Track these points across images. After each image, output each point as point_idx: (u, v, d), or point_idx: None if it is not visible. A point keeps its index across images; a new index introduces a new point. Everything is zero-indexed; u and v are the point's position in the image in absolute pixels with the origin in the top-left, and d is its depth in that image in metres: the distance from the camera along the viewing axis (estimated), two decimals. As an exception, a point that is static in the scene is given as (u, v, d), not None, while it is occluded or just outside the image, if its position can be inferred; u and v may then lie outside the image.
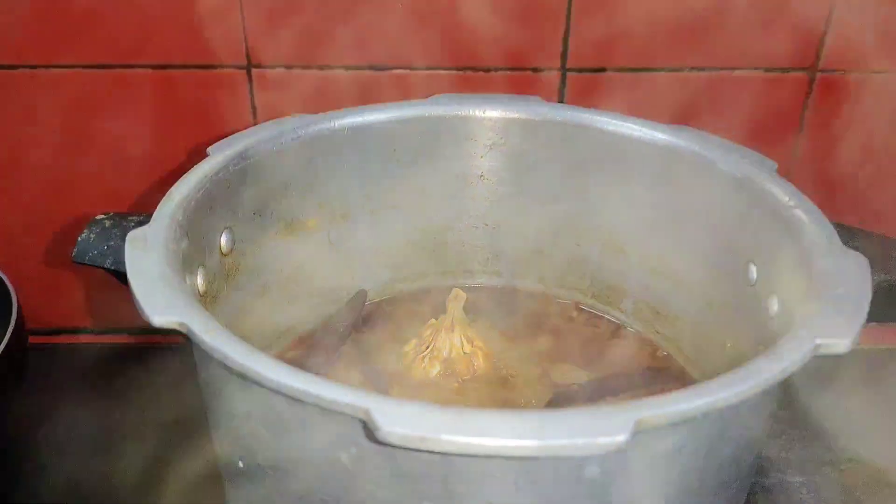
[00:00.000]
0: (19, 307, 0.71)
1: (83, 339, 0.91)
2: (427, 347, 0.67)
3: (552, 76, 0.81)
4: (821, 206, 0.54)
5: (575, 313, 0.75)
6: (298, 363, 0.66)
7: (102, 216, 0.55)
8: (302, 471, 0.40)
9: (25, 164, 0.82)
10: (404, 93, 0.80)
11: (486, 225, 0.75)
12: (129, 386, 0.80)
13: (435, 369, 0.66)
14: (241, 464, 0.43)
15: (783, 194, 0.54)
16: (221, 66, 0.78)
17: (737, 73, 0.80)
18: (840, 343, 0.40)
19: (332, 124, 0.66)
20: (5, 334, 0.68)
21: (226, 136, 0.60)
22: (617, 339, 0.72)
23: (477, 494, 0.36)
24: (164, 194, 0.52)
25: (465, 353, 0.67)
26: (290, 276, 0.67)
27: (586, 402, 0.63)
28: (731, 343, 0.60)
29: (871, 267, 0.47)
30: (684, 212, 0.64)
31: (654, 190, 0.66)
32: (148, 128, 0.81)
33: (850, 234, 0.54)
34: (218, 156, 0.58)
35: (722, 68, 0.80)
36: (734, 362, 0.59)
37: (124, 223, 0.54)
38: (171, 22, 0.76)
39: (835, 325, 0.41)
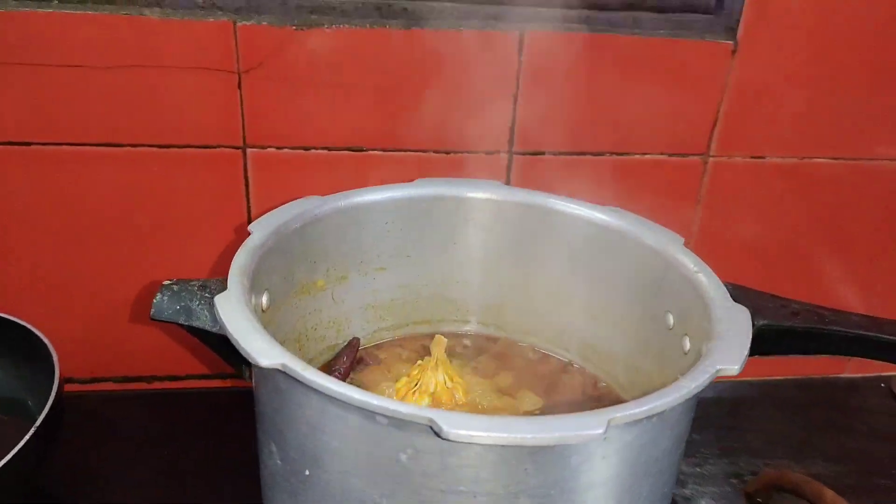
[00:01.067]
0: (59, 370, 0.79)
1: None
2: (416, 384, 0.82)
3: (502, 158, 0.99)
4: (715, 265, 0.74)
5: (532, 354, 0.92)
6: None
7: (169, 282, 0.68)
8: (364, 471, 0.54)
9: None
10: (372, 172, 0.96)
11: (458, 282, 0.92)
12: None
13: (424, 401, 0.81)
14: (307, 472, 0.57)
15: (689, 262, 0.74)
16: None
17: (646, 157, 1.01)
18: (733, 368, 0.58)
19: (339, 203, 0.82)
20: (48, 398, 0.74)
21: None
22: (566, 374, 0.89)
23: (498, 478, 0.52)
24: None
25: (447, 387, 0.83)
26: (302, 328, 0.82)
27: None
28: (657, 373, 0.79)
29: (752, 314, 0.67)
30: (616, 272, 0.83)
31: (593, 255, 0.85)
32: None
33: (736, 290, 0.74)
34: (260, 232, 0.72)
35: (634, 153, 1.00)
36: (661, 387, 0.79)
37: (188, 286, 0.67)
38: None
39: (729, 356, 0.59)
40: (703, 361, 0.60)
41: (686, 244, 0.77)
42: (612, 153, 1.00)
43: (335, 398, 0.51)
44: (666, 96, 0.97)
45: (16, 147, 0.88)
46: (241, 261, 0.66)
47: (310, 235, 0.79)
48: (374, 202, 0.84)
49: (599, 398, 0.86)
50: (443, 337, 0.84)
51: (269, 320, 0.73)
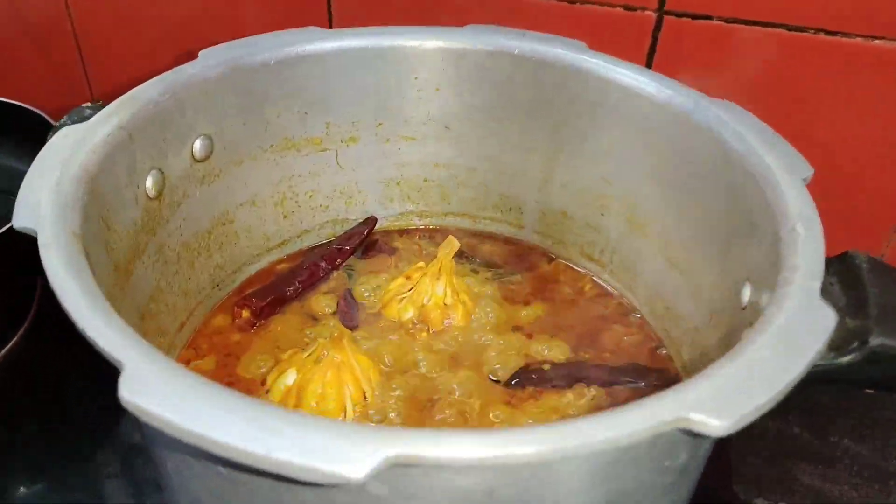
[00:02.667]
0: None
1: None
2: (409, 290, 0.64)
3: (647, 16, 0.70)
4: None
5: (588, 286, 0.68)
6: (287, 275, 0.66)
7: (89, 104, 0.56)
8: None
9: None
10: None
11: (514, 173, 0.69)
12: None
13: (408, 313, 0.63)
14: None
15: (794, 211, 0.44)
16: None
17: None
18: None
19: (347, 43, 0.62)
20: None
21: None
22: (620, 325, 0.64)
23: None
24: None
25: (445, 303, 0.63)
26: (287, 192, 0.66)
27: (549, 386, 0.58)
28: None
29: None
30: (707, 204, 0.55)
31: (680, 171, 0.57)
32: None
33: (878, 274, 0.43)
34: (207, 60, 0.56)
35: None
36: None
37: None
38: None
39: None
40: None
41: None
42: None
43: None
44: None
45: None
46: (146, 93, 0.52)
47: (298, 76, 0.61)
48: (403, 48, 0.63)
49: (649, 371, 0.60)
50: (454, 239, 0.64)
51: (210, 171, 0.59)
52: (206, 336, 0.61)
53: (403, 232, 0.73)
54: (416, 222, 0.73)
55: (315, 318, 0.63)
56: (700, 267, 0.56)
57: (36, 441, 0.65)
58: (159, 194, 0.53)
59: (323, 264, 0.68)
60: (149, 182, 0.52)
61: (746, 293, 0.47)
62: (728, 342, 0.50)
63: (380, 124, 0.67)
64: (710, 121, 0.53)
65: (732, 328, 0.49)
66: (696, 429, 0.32)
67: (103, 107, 0.53)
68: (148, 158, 0.51)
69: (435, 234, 0.73)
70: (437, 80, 0.65)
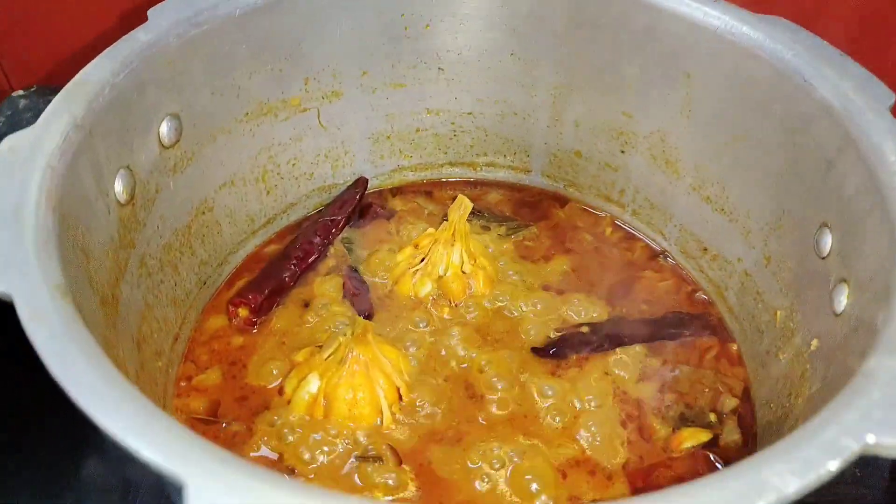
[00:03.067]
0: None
1: None
2: (421, 261, 0.58)
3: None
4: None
5: (609, 230, 0.63)
6: (279, 259, 0.59)
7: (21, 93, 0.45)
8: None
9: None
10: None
11: (516, 113, 0.62)
12: None
13: (426, 288, 0.57)
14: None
15: (893, 147, 0.39)
16: None
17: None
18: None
19: (319, -21, 0.52)
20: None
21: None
22: (651, 270, 0.60)
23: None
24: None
25: (463, 271, 0.57)
26: (266, 164, 0.58)
27: (592, 350, 0.53)
28: (783, 313, 0.48)
29: None
30: (758, 138, 0.49)
31: (724, 101, 0.51)
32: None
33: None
34: (159, 21, 0.46)
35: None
36: (783, 336, 0.48)
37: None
38: None
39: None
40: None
41: None
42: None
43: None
44: None
45: None
46: (98, 73, 0.41)
47: (268, 28, 0.51)
48: (381, -20, 0.54)
49: (691, 318, 0.56)
50: (466, 198, 0.57)
51: (182, 157, 0.49)
52: (203, 344, 0.53)
53: (398, 191, 0.66)
54: (411, 177, 0.66)
55: (321, 306, 0.56)
56: (749, 207, 0.51)
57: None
58: (131, 197, 0.44)
59: (317, 240, 0.60)
60: (118, 185, 0.43)
61: (826, 240, 0.43)
62: (799, 290, 0.46)
63: (364, 73, 0.58)
64: (762, 41, 0.46)
65: (807, 276, 0.45)
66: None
67: (38, 94, 0.43)
68: (114, 156, 0.42)
69: (433, 189, 0.66)
70: (426, 16, 0.56)
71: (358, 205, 0.63)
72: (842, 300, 0.39)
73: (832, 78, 0.43)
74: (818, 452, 0.27)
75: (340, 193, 0.63)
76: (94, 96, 0.41)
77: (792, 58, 0.45)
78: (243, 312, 0.55)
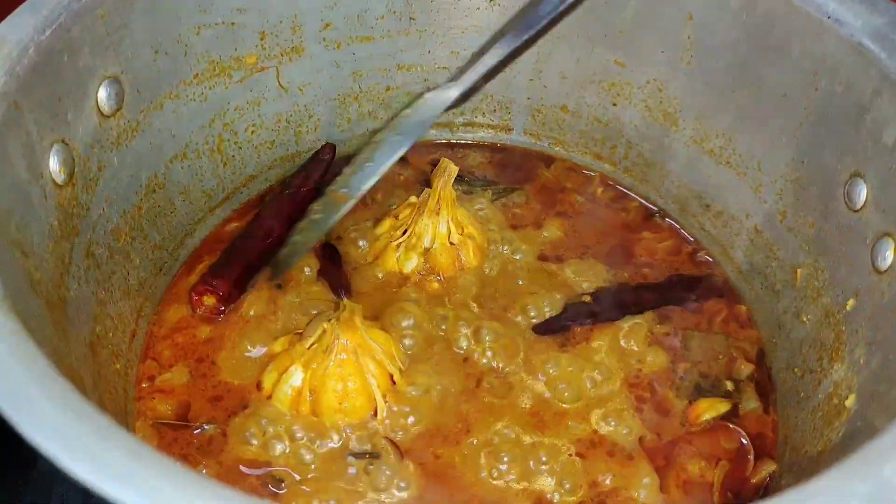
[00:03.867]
0: None
1: None
2: (404, 233, 0.52)
3: None
4: None
5: (600, 189, 0.58)
6: (243, 238, 0.52)
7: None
8: None
9: None
10: None
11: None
12: None
13: (411, 262, 0.51)
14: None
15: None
16: None
17: None
18: None
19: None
20: None
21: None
22: (648, 231, 0.56)
23: None
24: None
25: (451, 243, 0.52)
26: (221, 132, 0.51)
27: (596, 324, 0.49)
28: (804, 272, 0.45)
29: None
30: (773, 84, 0.45)
31: (732, 45, 0.46)
32: None
33: None
34: (88, -34, 0.38)
35: None
36: (805, 297, 0.45)
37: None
38: None
39: None
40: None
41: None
42: None
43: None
44: None
45: None
46: (20, 31, 0.34)
47: (217, -26, 0.45)
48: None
49: (695, 280, 0.53)
50: (450, 162, 0.52)
51: (126, 127, 0.42)
52: (164, 339, 0.47)
53: (368, 156, 0.60)
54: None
55: (294, 288, 0.50)
56: (759, 159, 0.48)
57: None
58: (70, 177, 0.37)
59: (282, 214, 0.54)
60: (53, 164, 0.36)
61: (860, 191, 0.39)
62: (825, 246, 0.43)
63: (327, 25, 0.52)
64: (780, -24, 0.42)
65: (836, 231, 0.41)
66: None
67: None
68: (46, 130, 0.35)
69: (407, 154, 0.60)
70: (397, -42, 0.50)
71: (326, 174, 0.57)
72: (887, 255, 0.36)
73: (862, 13, 0.39)
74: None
75: (305, 162, 0.57)
76: (16, 59, 0.34)
77: (813, -9, 0.41)
78: (209, 301, 0.48)
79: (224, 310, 0.49)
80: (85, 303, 0.38)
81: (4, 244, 0.28)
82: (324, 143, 0.57)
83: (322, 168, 0.57)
